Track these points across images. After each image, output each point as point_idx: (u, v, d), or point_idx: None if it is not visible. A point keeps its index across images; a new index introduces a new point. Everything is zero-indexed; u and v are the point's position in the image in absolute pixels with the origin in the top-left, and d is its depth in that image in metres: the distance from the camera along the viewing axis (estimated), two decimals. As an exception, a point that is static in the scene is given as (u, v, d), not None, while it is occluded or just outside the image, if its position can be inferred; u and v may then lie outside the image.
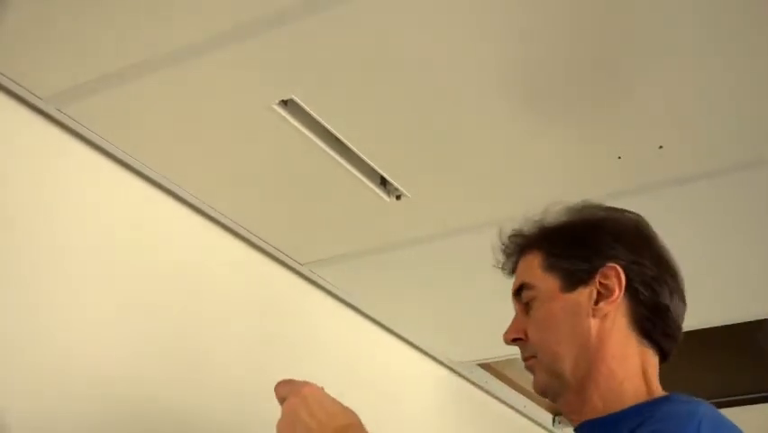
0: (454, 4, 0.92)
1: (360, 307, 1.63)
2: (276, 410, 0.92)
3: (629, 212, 1.00)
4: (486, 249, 1.42)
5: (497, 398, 2.04)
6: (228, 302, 1.33)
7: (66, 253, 1.07)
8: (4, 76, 1.02)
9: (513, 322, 1.03)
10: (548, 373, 0.97)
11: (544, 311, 0.98)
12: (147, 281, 1.19)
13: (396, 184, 1.25)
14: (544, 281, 0.99)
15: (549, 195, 1.28)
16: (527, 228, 1.04)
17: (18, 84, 1.03)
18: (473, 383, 1.97)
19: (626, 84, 1.04)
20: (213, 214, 1.31)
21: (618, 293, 0.94)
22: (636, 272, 0.95)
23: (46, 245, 1.05)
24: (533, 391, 1.00)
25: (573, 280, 0.97)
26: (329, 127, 1.11)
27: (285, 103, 1.07)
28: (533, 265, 1.01)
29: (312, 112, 1.09)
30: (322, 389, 0.97)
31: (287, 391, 0.96)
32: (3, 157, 1.03)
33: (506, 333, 1.02)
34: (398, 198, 1.27)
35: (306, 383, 0.97)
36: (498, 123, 1.13)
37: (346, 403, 1.51)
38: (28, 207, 1.04)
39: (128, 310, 1.14)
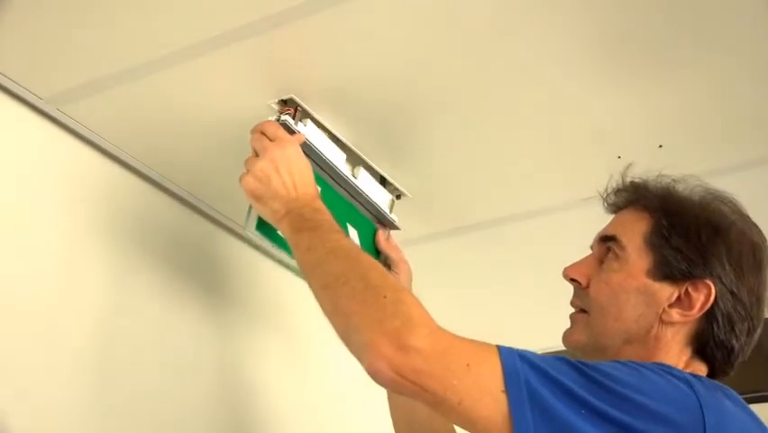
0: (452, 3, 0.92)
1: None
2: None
3: (756, 227, 0.95)
4: (485, 248, 1.43)
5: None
6: (229, 302, 1.33)
7: (68, 255, 1.07)
8: (4, 76, 1.02)
9: (581, 262, 0.99)
10: (590, 339, 0.94)
11: (619, 281, 0.93)
12: (155, 282, 1.19)
13: (396, 184, 1.25)
14: (637, 252, 0.93)
15: (549, 194, 1.30)
16: (653, 185, 0.98)
17: (18, 84, 1.03)
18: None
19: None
20: (212, 213, 1.32)
21: (696, 313, 0.90)
22: (727, 303, 0.90)
23: (47, 246, 1.05)
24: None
25: (664, 272, 0.91)
26: (328, 126, 1.11)
27: (284, 102, 1.08)
28: (636, 229, 0.95)
29: (311, 111, 1.09)
30: (295, 148, 1.00)
31: (259, 146, 1.00)
32: (2, 157, 1.03)
33: (569, 268, 0.99)
34: (398, 197, 1.27)
35: (275, 145, 1.00)
36: (501, 123, 1.13)
37: (350, 404, 1.52)
38: (27, 207, 1.04)
39: (127, 311, 1.14)
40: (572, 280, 0.99)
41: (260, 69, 1.02)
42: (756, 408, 0.87)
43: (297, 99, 1.06)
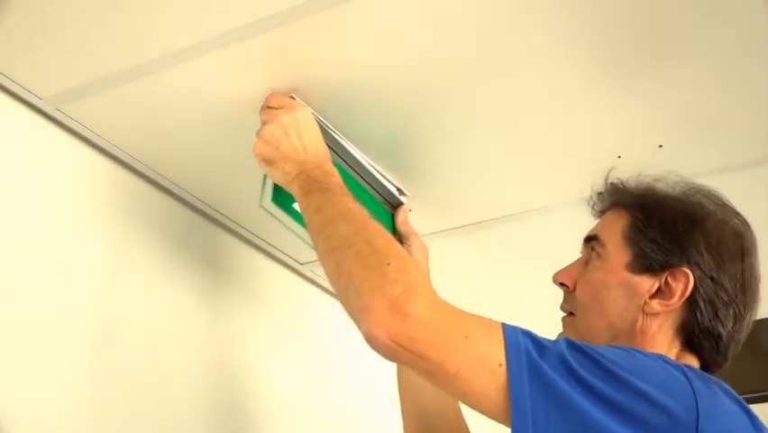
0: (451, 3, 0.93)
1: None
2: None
3: (740, 216, 0.95)
4: (485, 247, 1.43)
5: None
6: (228, 299, 1.33)
7: (67, 253, 1.07)
8: (4, 76, 1.02)
9: (569, 267, 1.00)
10: (577, 339, 0.92)
11: (600, 278, 0.95)
12: (155, 281, 1.19)
13: (395, 182, 1.25)
14: (617, 249, 0.95)
15: (550, 194, 1.30)
16: (633, 185, 1.00)
17: (18, 84, 1.03)
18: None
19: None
20: (212, 214, 1.32)
21: (676, 301, 0.90)
22: (708, 289, 0.90)
23: (45, 244, 1.05)
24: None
25: (643, 265, 0.93)
26: (329, 126, 1.11)
27: (284, 102, 1.07)
28: (616, 226, 0.97)
29: (312, 111, 1.09)
30: (303, 112, 1.01)
31: (268, 116, 1.01)
32: (2, 157, 1.03)
33: (558, 273, 1.01)
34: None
35: (283, 111, 1.00)
36: (502, 123, 1.13)
37: (353, 404, 1.51)
38: (26, 207, 1.04)
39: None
40: (561, 285, 1.01)
41: (260, 69, 1.02)
42: (756, 408, 0.87)
43: (298, 99, 1.06)
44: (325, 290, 1.57)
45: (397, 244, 0.89)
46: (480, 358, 0.77)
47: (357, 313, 0.82)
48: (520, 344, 0.77)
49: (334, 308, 1.58)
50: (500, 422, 0.77)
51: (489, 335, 0.78)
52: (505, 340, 0.77)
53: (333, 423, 1.50)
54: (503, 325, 0.79)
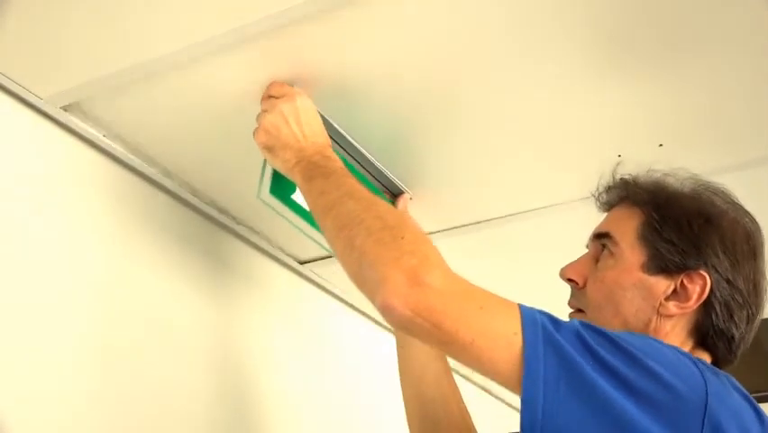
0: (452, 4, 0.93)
1: (360, 306, 1.63)
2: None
3: (749, 215, 0.94)
4: (485, 247, 1.43)
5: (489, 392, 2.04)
6: (229, 301, 1.33)
7: (68, 251, 1.07)
8: (4, 76, 1.02)
9: (577, 262, 0.99)
10: None
11: (614, 277, 0.94)
12: (155, 279, 1.19)
13: (396, 182, 1.25)
14: (631, 248, 0.94)
15: (550, 193, 1.30)
16: (643, 180, 0.98)
17: (18, 84, 1.03)
18: (474, 383, 1.97)
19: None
20: (213, 214, 1.32)
21: (693, 304, 0.90)
22: (724, 292, 0.90)
23: (46, 243, 1.05)
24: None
25: (659, 266, 0.92)
26: (327, 117, 1.11)
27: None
28: (629, 225, 0.95)
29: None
30: (302, 99, 1.01)
31: (268, 105, 1.01)
32: (2, 157, 1.03)
33: (565, 268, 1.00)
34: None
35: (283, 99, 1.01)
36: (501, 122, 1.13)
37: (355, 405, 1.51)
38: (26, 207, 1.04)
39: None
40: (569, 281, 1.00)
41: (261, 69, 1.02)
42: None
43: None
44: (325, 289, 1.57)
45: (409, 218, 0.89)
46: (496, 328, 0.78)
47: (372, 286, 0.81)
48: (536, 318, 0.78)
49: (334, 308, 1.59)
50: (511, 390, 0.77)
51: (505, 309, 0.79)
52: (521, 314, 0.78)
53: (333, 421, 1.50)
54: (519, 304, 0.80)
